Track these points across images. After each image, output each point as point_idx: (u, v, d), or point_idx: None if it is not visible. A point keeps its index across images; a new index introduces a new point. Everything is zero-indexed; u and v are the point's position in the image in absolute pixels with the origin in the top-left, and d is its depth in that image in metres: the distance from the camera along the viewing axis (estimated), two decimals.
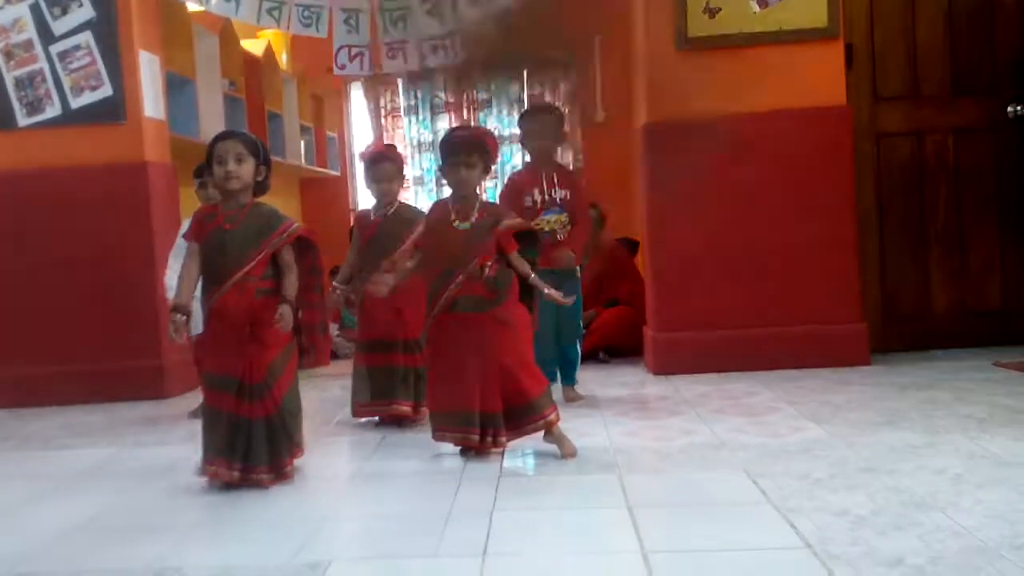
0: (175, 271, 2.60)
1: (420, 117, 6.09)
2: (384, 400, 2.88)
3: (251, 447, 2.23)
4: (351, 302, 3.29)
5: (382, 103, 6.12)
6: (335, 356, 4.60)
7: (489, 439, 2.39)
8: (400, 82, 6.05)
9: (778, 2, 3.47)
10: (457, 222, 2.44)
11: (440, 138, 5.84)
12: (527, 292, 2.49)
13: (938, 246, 3.76)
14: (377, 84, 6.02)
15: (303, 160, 5.58)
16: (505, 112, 5.98)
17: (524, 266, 2.46)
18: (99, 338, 3.68)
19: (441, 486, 2.21)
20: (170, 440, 2.90)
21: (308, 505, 2.16)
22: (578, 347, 3.23)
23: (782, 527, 1.77)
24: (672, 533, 1.80)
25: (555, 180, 3.11)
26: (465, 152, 2.44)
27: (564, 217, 3.09)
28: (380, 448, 2.69)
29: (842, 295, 3.48)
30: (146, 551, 1.86)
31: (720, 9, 3.49)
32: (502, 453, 2.43)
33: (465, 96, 6.04)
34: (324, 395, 3.60)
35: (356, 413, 2.95)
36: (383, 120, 6.11)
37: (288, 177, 5.82)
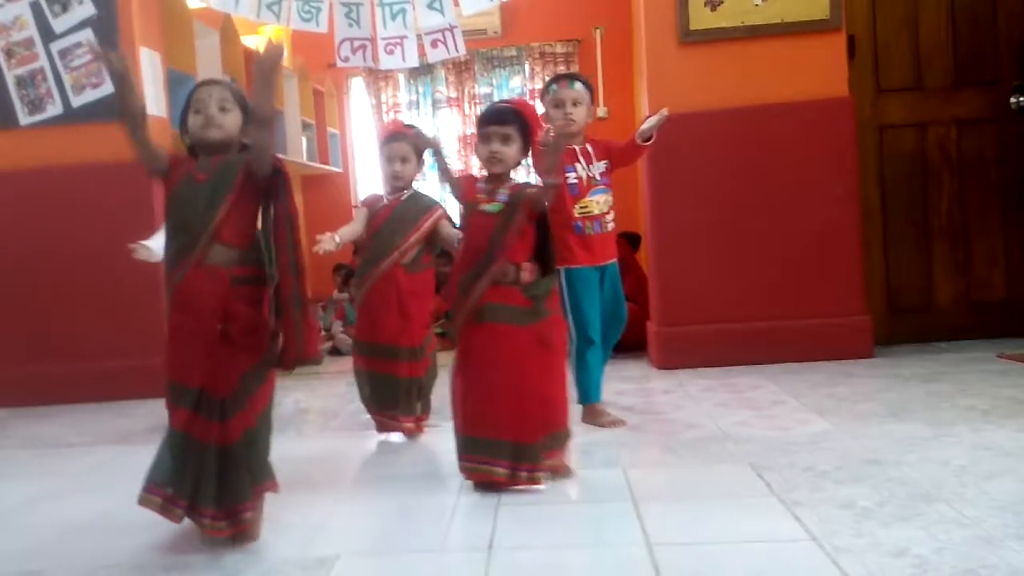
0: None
1: (422, 112, 6.09)
2: (386, 412, 2.68)
3: (201, 481, 1.77)
4: (352, 297, 3.09)
5: (383, 98, 6.11)
6: (339, 352, 4.61)
7: (523, 474, 2.04)
8: (401, 77, 6.04)
9: None
10: (485, 205, 2.11)
11: (439, 134, 5.92)
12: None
13: (942, 238, 3.76)
14: (378, 79, 6.01)
15: (305, 157, 5.58)
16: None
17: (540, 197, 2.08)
18: (103, 336, 3.68)
19: (446, 481, 2.22)
20: None
21: (314, 500, 2.17)
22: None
23: (787, 519, 1.77)
24: (677, 526, 1.80)
25: (591, 153, 2.69)
26: (500, 122, 2.10)
27: (610, 197, 2.69)
28: (385, 443, 2.70)
29: (845, 287, 3.48)
30: (155, 548, 1.87)
31: (721, 2, 3.48)
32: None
33: (466, 91, 6.04)
34: (330, 391, 3.61)
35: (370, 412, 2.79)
36: (384, 115, 6.10)
37: (290, 174, 5.81)
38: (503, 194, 2.11)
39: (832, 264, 3.48)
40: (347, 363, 4.32)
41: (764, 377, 3.22)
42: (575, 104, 2.65)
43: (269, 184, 1.83)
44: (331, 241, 2.48)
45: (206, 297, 1.77)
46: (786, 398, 2.88)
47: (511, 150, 2.12)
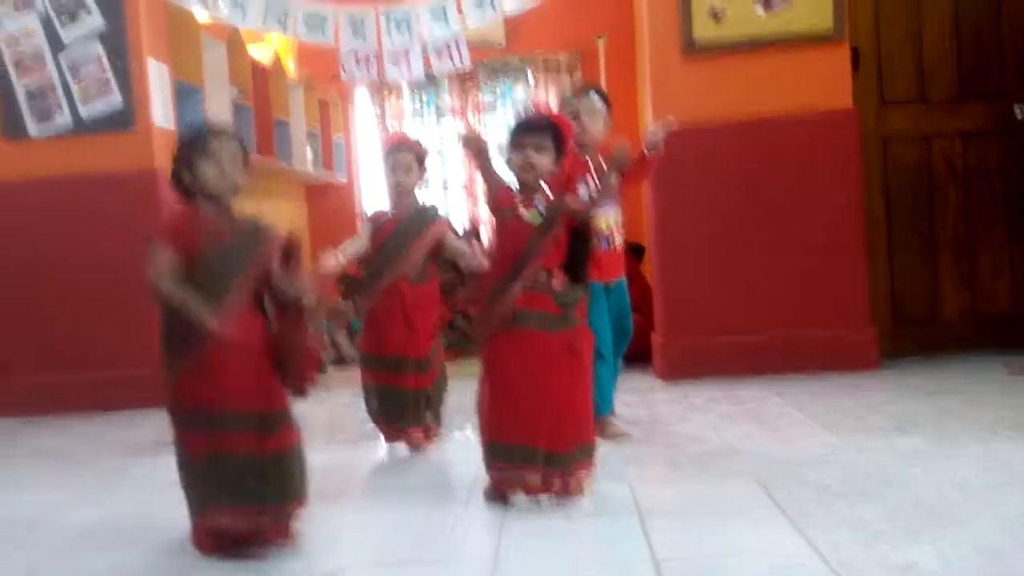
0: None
1: (425, 121, 6.11)
2: (394, 425, 2.69)
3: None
4: (356, 310, 3.13)
5: (387, 108, 6.14)
6: (343, 363, 4.61)
7: (556, 481, 2.04)
8: (405, 87, 6.07)
9: (783, 5, 3.47)
10: (523, 212, 2.10)
11: (435, 145, 5.93)
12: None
13: (947, 249, 3.75)
14: (382, 89, 6.04)
15: (310, 166, 5.60)
16: (510, 116, 5.99)
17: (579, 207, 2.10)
18: (111, 346, 3.69)
19: (453, 494, 2.22)
20: None
21: (320, 511, 2.16)
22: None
23: (794, 536, 1.77)
24: (684, 541, 1.80)
25: (603, 166, 2.58)
26: (535, 131, 2.11)
27: (619, 215, 2.70)
28: (392, 456, 2.70)
29: (851, 299, 3.48)
30: (165, 561, 1.87)
31: (725, 11, 3.50)
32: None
33: (470, 100, 6.06)
34: (337, 402, 3.61)
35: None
36: (389, 125, 6.13)
37: (295, 183, 5.84)
38: (541, 203, 2.11)
39: (837, 276, 3.47)
40: (352, 373, 4.34)
41: (769, 389, 3.21)
42: (592, 116, 2.65)
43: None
44: (334, 259, 2.50)
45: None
46: (791, 411, 2.88)
47: (544, 159, 2.12)
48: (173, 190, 1.95)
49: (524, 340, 2.05)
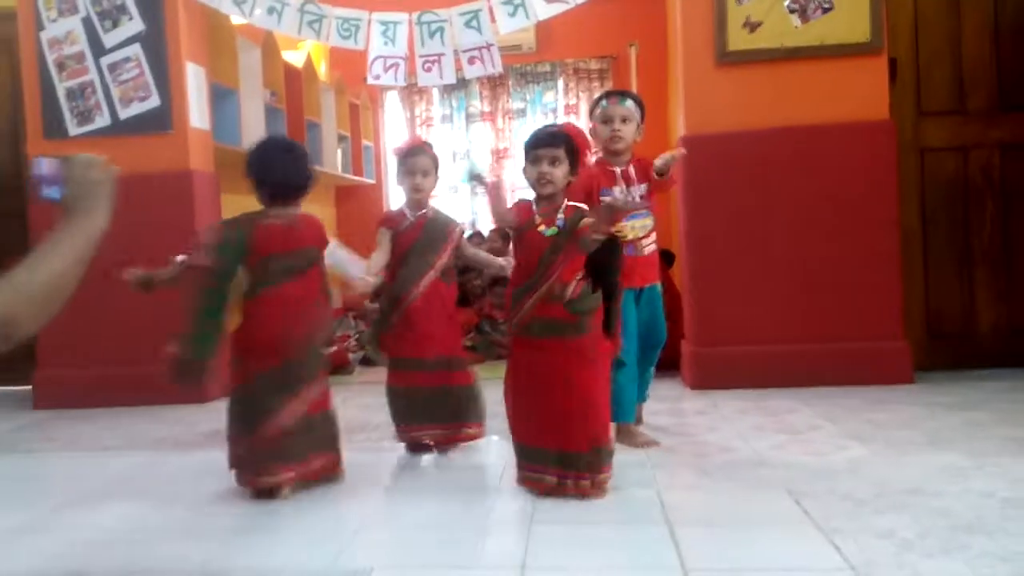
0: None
1: (455, 126, 6.15)
2: (415, 425, 2.69)
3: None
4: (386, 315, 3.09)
5: (417, 112, 6.18)
6: (369, 363, 4.64)
7: (569, 482, 2.12)
8: (435, 91, 6.11)
9: (820, 16, 3.45)
10: (543, 227, 2.16)
11: (472, 148, 5.95)
12: (608, 295, 2.19)
13: (983, 263, 3.70)
14: (412, 93, 6.08)
15: (340, 168, 5.65)
16: (540, 121, 6.00)
17: (587, 245, 2.11)
18: (142, 342, 3.73)
19: (478, 496, 2.23)
20: (209, 445, 2.95)
21: (345, 512, 2.18)
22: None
23: (826, 548, 1.75)
24: (714, 551, 1.79)
25: (633, 175, 2.67)
26: (549, 144, 2.18)
27: (650, 221, 2.69)
28: (418, 457, 2.71)
29: (885, 312, 3.43)
30: (192, 554, 1.90)
31: (761, 23, 3.48)
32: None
33: (500, 105, 6.08)
34: (359, 401, 3.63)
35: (398, 437, 2.77)
36: (418, 129, 6.17)
37: (325, 185, 5.90)
38: (560, 218, 2.16)
39: (871, 288, 3.43)
40: (378, 373, 4.36)
41: (800, 401, 3.18)
42: (624, 121, 2.66)
43: None
44: (369, 282, 2.54)
45: None
46: (822, 423, 2.85)
47: (559, 171, 2.19)
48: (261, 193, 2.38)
49: (540, 348, 2.15)
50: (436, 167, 2.75)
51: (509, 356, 2.27)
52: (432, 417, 2.66)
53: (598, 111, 2.71)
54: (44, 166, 1.26)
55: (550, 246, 2.14)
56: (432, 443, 2.71)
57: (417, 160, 2.71)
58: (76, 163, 1.28)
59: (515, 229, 2.24)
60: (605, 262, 2.17)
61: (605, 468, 2.16)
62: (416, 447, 2.72)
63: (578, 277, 2.16)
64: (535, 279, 2.16)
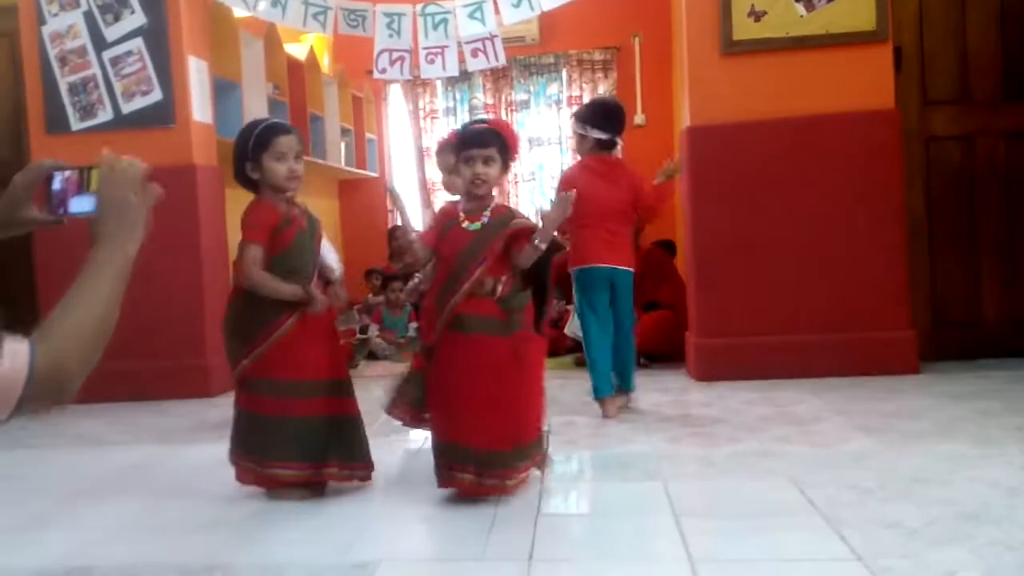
0: None
1: (459, 119, 6.13)
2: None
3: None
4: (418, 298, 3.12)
5: (420, 105, 6.16)
6: (375, 357, 4.65)
7: (490, 482, 2.06)
8: (438, 84, 6.09)
9: (825, 5, 3.43)
10: (466, 223, 2.14)
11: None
12: (539, 294, 2.21)
13: (989, 252, 3.68)
14: (416, 86, 6.06)
15: (343, 162, 5.65)
16: (543, 113, 5.98)
17: (530, 256, 2.13)
18: (146, 337, 3.75)
19: None
20: (215, 439, 2.95)
21: (353, 506, 2.19)
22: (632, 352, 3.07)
23: (832, 538, 1.75)
24: (720, 542, 1.79)
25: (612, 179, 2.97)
26: (482, 144, 2.14)
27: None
28: (423, 449, 2.71)
29: (891, 302, 3.42)
30: (198, 547, 1.91)
31: (766, 13, 3.46)
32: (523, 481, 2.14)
33: (503, 97, 6.06)
34: (367, 395, 3.63)
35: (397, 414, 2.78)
36: (422, 122, 6.16)
37: (327, 178, 5.89)
38: (486, 215, 2.15)
39: (877, 277, 3.42)
40: (382, 367, 4.37)
41: (806, 391, 3.18)
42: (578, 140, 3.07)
43: None
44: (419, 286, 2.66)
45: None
46: (828, 414, 2.84)
47: (493, 171, 2.16)
48: (239, 182, 2.21)
49: (468, 344, 2.08)
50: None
51: (433, 353, 2.16)
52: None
53: (587, 120, 3.06)
54: (62, 180, 1.13)
55: (472, 240, 2.11)
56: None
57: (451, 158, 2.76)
58: (105, 166, 1.09)
59: (440, 228, 2.20)
60: (537, 261, 2.15)
61: (524, 468, 2.11)
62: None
63: (508, 275, 2.13)
64: (457, 274, 2.11)
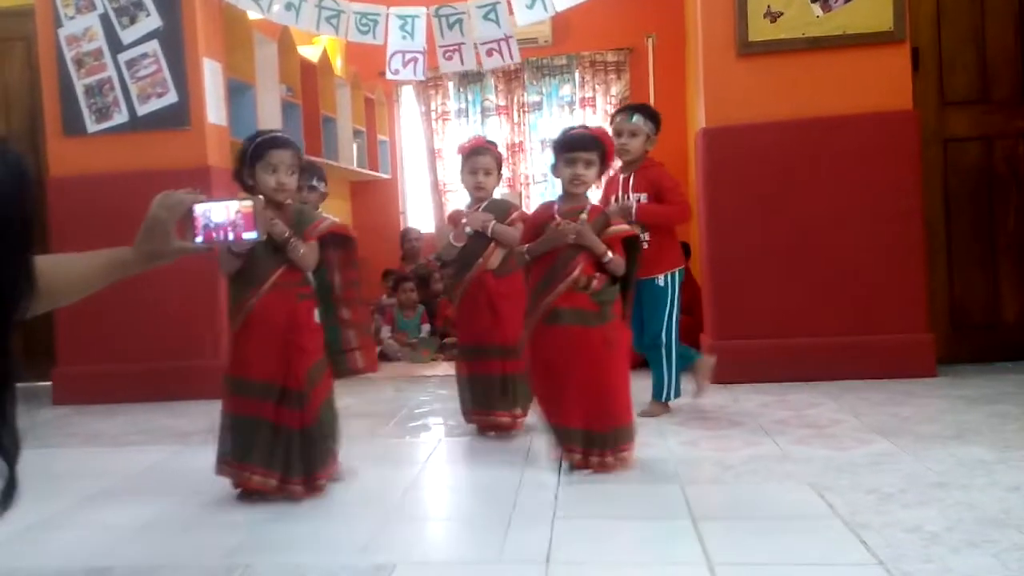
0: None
1: (471, 120, 6.13)
2: (483, 410, 2.78)
3: (289, 458, 2.17)
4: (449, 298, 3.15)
5: (433, 106, 6.17)
6: (386, 358, 4.65)
7: (595, 459, 2.27)
8: (450, 85, 6.09)
9: (841, 6, 3.41)
10: (566, 224, 2.32)
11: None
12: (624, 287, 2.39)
13: (1008, 254, 3.65)
14: (428, 87, 6.07)
15: (355, 163, 5.66)
16: (556, 115, 5.97)
17: (619, 266, 2.33)
18: (161, 338, 3.78)
19: (501, 491, 2.22)
20: None
21: (369, 506, 2.18)
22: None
23: (852, 542, 1.73)
24: (738, 546, 1.77)
25: (631, 184, 2.95)
26: (585, 148, 2.33)
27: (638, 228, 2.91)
28: (439, 451, 2.71)
29: (908, 304, 3.40)
30: (216, 548, 1.91)
31: (782, 13, 3.44)
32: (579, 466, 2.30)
33: (516, 99, 6.06)
34: (379, 396, 3.64)
35: (468, 420, 2.85)
36: (433, 123, 6.16)
37: (340, 179, 5.91)
38: (582, 218, 2.32)
39: (894, 280, 3.40)
40: (395, 369, 4.38)
41: (822, 394, 3.15)
42: (632, 135, 2.94)
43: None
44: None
45: (277, 310, 2.20)
46: (846, 417, 2.82)
47: (591, 173, 2.36)
48: (240, 188, 2.27)
49: (566, 335, 2.28)
50: (499, 166, 2.88)
51: (531, 345, 2.35)
52: (477, 403, 2.79)
53: (612, 124, 3.02)
54: (234, 212, 1.31)
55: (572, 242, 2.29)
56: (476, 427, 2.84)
57: (480, 159, 2.82)
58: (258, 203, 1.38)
59: (537, 228, 2.39)
60: (625, 258, 2.35)
61: (625, 446, 2.30)
62: (487, 427, 2.82)
63: (600, 272, 2.31)
64: (555, 273, 2.30)
